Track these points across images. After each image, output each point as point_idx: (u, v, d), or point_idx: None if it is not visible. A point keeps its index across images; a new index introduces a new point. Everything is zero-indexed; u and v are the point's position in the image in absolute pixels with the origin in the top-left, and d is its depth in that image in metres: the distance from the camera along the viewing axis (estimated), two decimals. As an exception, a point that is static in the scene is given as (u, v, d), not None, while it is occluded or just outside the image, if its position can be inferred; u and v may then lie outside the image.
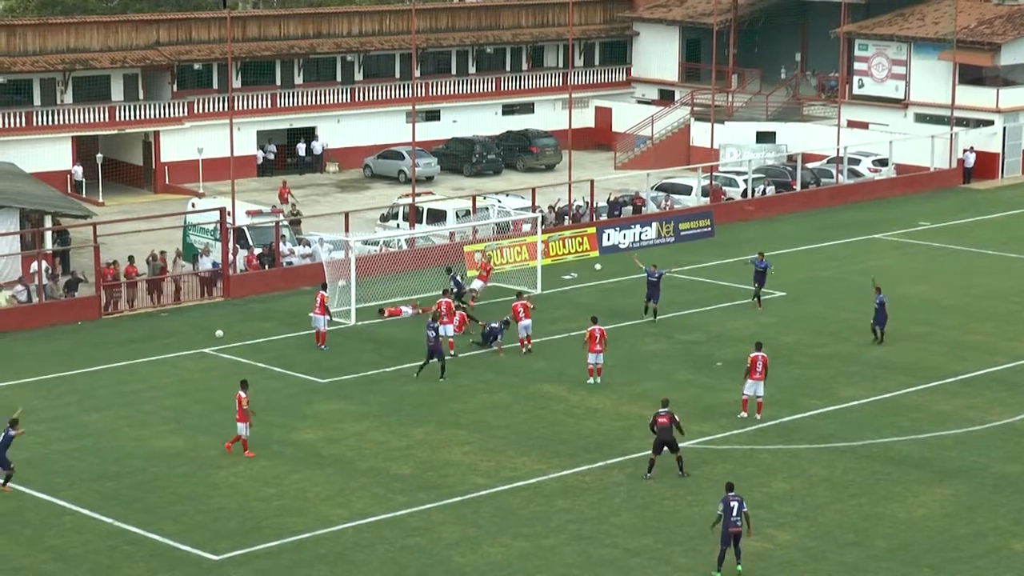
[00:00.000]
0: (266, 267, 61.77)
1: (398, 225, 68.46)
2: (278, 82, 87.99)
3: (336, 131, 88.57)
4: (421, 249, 63.63)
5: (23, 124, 79.92)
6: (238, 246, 61.53)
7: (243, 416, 42.08)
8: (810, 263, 65.47)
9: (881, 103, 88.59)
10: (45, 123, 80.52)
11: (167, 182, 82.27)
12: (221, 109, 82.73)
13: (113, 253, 60.95)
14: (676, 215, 71.38)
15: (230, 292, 59.84)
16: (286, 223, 65.44)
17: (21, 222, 61.54)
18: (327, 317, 52.76)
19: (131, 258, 59.68)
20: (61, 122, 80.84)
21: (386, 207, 71.55)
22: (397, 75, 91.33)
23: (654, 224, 69.62)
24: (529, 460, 41.90)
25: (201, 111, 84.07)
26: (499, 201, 71.52)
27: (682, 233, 70.09)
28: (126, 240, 63.13)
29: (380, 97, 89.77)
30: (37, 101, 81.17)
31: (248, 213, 64.87)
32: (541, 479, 40.53)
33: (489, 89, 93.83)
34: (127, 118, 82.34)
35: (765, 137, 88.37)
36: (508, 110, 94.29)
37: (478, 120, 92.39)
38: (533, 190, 70.53)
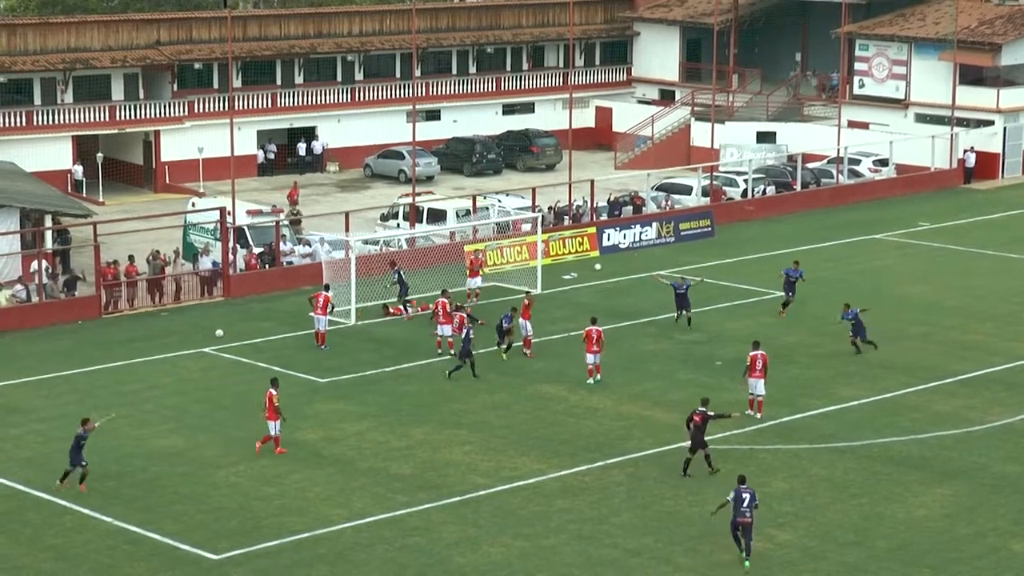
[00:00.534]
0: (266, 267, 61.78)
1: (398, 225, 68.47)
2: (278, 82, 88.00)
3: (336, 131, 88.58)
4: (422, 249, 63.62)
5: (23, 123, 79.95)
6: (238, 245, 61.55)
7: (273, 414, 42.04)
8: (810, 263, 65.31)
9: (881, 103, 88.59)
10: (45, 122, 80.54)
11: (167, 181, 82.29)
12: (221, 109, 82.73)
13: (113, 252, 60.97)
14: (676, 215, 71.38)
15: (230, 292, 59.86)
16: (286, 223, 65.46)
17: (21, 221, 61.56)
18: (328, 317, 52.78)
19: (131, 257, 59.69)
20: (61, 121, 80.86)
21: (386, 207, 71.55)
22: (397, 75, 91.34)
23: (654, 224, 69.62)
24: (529, 460, 41.91)
25: (201, 111, 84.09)
26: (499, 201, 71.53)
27: (682, 233, 70.10)
28: (126, 239, 63.14)
29: (380, 97, 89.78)
30: (37, 100, 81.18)
31: (248, 213, 64.89)
32: (541, 479, 40.54)
33: (489, 89, 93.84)
34: (127, 117, 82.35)
35: (765, 137, 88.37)
36: (508, 110, 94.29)
37: (478, 120, 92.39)
38: (533, 190, 70.54)
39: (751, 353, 45.15)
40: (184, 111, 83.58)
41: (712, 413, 40.27)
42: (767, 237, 70.03)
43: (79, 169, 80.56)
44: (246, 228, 63.30)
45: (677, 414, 45.47)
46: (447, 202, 70.13)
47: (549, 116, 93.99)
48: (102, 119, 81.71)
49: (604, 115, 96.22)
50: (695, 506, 38.58)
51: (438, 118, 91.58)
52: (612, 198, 73.22)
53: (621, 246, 68.16)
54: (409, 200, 68.81)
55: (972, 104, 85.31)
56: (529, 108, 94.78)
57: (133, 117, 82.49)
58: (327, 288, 53.92)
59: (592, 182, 72.07)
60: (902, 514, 38.26)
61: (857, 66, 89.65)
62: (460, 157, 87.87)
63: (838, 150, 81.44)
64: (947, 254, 67.62)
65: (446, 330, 51.41)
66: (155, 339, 54.04)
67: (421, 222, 67.45)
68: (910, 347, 52.55)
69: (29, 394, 47.82)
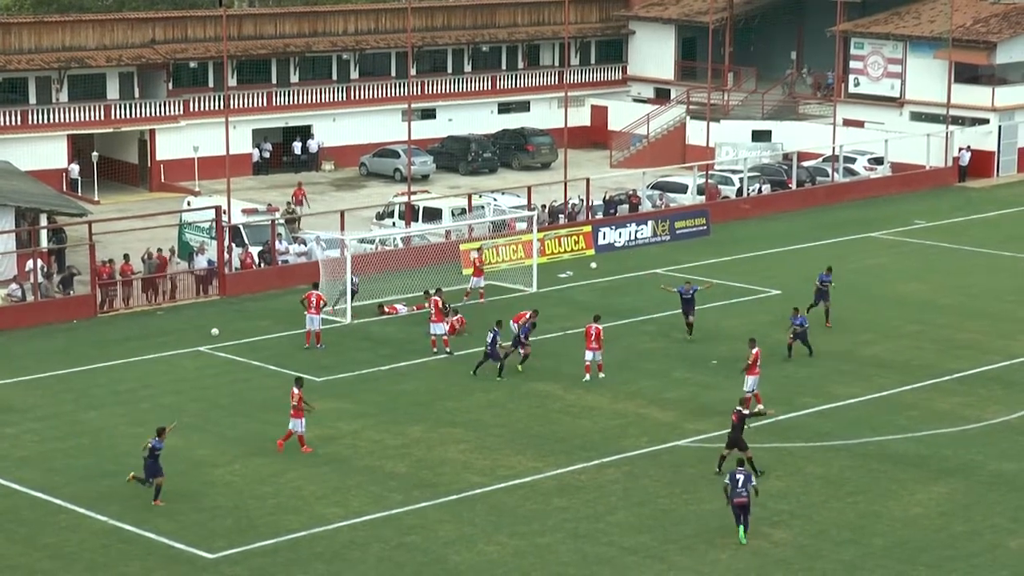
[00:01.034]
0: (262, 265, 61.75)
1: (394, 223, 68.45)
2: (274, 80, 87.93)
3: (332, 129, 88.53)
4: (417, 247, 63.61)
5: (19, 122, 79.84)
6: (234, 244, 61.52)
7: (298, 412, 42.03)
8: (805, 262, 65.44)
9: (877, 102, 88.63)
10: (41, 121, 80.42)
11: (163, 180, 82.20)
12: (217, 107, 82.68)
13: (109, 251, 60.92)
14: (672, 214, 71.39)
15: (226, 290, 59.83)
16: (282, 221, 65.42)
17: (17, 220, 61.48)
18: (321, 316, 52.73)
19: (127, 256, 59.65)
20: (57, 120, 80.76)
21: (382, 205, 71.53)
22: (393, 73, 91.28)
23: (650, 223, 69.62)
24: (525, 458, 41.90)
25: (197, 109, 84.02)
26: (495, 200, 71.50)
27: (678, 232, 70.10)
28: (122, 238, 63.08)
29: (376, 95, 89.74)
30: (33, 99, 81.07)
31: (244, 211, 64.86)
32: (537, 477, 40.54)
33: (485, 87, 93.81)
34: (123, 116, 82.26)
35: (761, 136, 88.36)
36: (504, 108, 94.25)
37: (474, 118, 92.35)
38: (529, 188, 70.53)
39: (754, 350, 45.44)
40: (179, 110, 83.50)
41: (748, 412, 40.26)
42: (762, 235, 70.05)
43: (74, 168, 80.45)
44: (241, 227, 63.27)
45: (673, 412, 45.56)
46: (443, 201, 70.11)
47: (544, 115, 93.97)
48: (97, 118, 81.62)
49: (599, 114, 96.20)
50: (691, 504, 38.59)
51: (433, 117, 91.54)
52: (608, 197, 73.20)
53: (617, 245, 68.16)
54: (405, 199, 68.78)
55: (967, 102, 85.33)
56: (524, 107, 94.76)
57: (128, 116, 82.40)
58: (316, 286, 53.80)
59: (587, 181, 72.07)
60: (898, 512, 38.28)
61: (852, 64, 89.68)
62: (456, 156, 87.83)
63: (833, 148, 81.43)
64: (942, 252, 67.65)
65: (440, 328, 51.40)
66: (151, 338, 54.01)
67: (417, 221, 67.43)
68: (905, 345, 52.57)
69: (25, 393, 47.79)
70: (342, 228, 63.38)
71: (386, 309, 56.90)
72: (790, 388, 47.43)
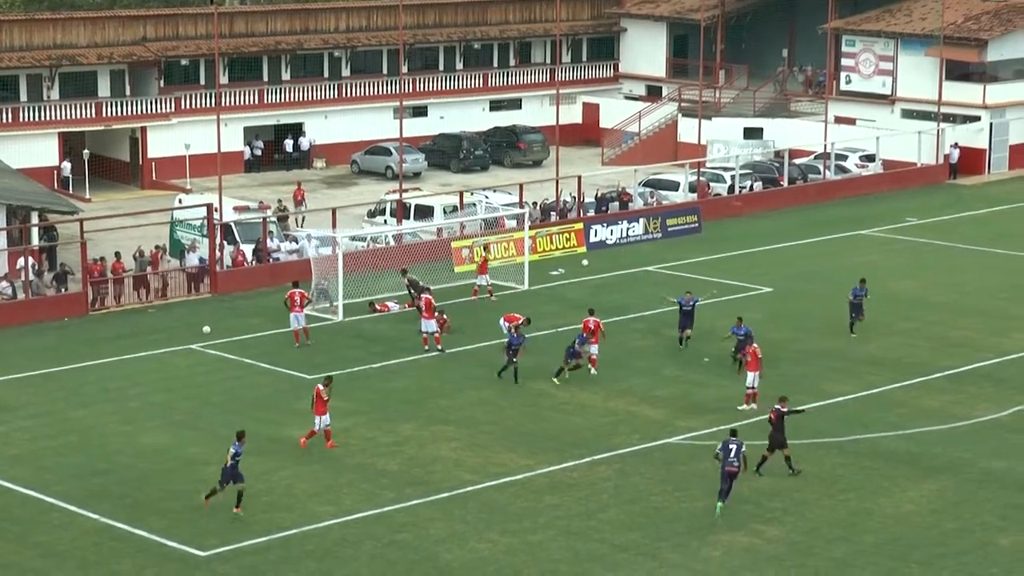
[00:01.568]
0: (253, 263, 61.72)
1: (385, 221, 68.42)
2: (265, 78, 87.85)
3: (323, 127, 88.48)
4: (409, 245, 63.59)
5: (9, 120, 79.73)
6: (225, 242, 61.49)
7: (322, 408, 42.02)
8: (797, 259, 65.55)
9: (868, 99, 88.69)
10: (32, 119, 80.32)
11: (154, 178, 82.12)
12: (208, 105, 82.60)
13: (100, 249, 60.84)
14: (663, 211, 71.42)
15: (217, 288, 59.81)
16: (274, 219, 65.40)
17: (7, 218, 61.41)
18: (304, 314, 52.69)
19: (118, 254, 59.60)
20: (48, 118, 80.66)
21: (373, 203, 71.51)
22: (384, 71, 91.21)
23: (641, 220, 69.63)
24: (517, 456, 41.91)
25: (188, 107, 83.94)
26: (486, 197, 71.49)
27: (669, 229, 70.13)
28: (113, 236, 63.01)
29: (367, 93, 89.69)
30: (24, 97, 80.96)
31: (235, 209, 64.82)
32: (529, 475, 40.55)
33: (476, 85, 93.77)
34: (114, 114, 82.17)
35: (752, 133, 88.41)
36: (495, 106, 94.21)
37: (465, 116, 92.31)
38: (520, 186, 70.52)
39: (750, 347, 45.56)
40: (171, 108, 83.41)
41: (786, 410, 40.23)
42: (754, 233, 70.08)
43: (66, 166, 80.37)
44: (233, 225, 63.24)
45: (664, 410, 45.60)
46: (434, 198, 70.12)
47: (536, 112, 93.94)
48: (88, 116, 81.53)
49: (591, 111, 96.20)
50: (683, 502, 38.62)
51: (425, 114, 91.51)
52: (599, 194, 73.22)
53: (608, 242, 68.17)
54: (396, 196, 68.77)
55: (958, 100, 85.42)
56: (516, 104, 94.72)
57: (120, 114, 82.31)
58: (296, 285, 53.65)
59: (579, 178, 72.08)
60: (890, 509, 38.33)
61: (844, 62, 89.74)
62: (447, 153, 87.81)
63: (825, 146, 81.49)
64: (933, 250, 67.72)
65: (431, 326, 51.41)
66: (142, 336, 53.97)
67: (408, 218, 67.40)
68: (897, 343, 52.62)
69: (16, 391, 47.74)
70: (334, 226, 63.37)
71: (377, 307, 56.91)
72: (783, 386, 47.31)
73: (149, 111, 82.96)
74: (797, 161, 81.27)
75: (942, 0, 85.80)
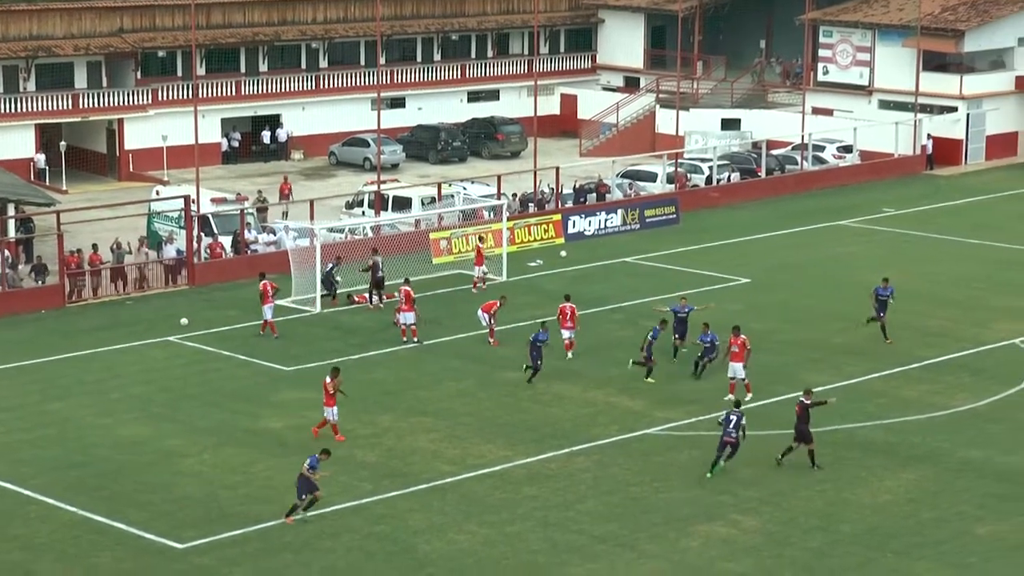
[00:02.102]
0: (231, 254, 61.56)
1: (363, 213, 68.33)
2: (242, 69, 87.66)
3: (301, 119, 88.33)
4: (387, 236, 63.48)
5: (-14, 111, 79.58)
6: (203, 234, 61.36)
7: (331, 400, 41.97)
8: (775, 250, 65.63)
9: (845, 90, 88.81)
10: (8, 110, 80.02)
11: (131, 170, 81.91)
12: (185, 96, 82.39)
13: (77, 241, 60.66)
14: (641, 202, 71.45)
15: (195, 280, 59.67)
16: (251, 211, 65.25)
17: (-16, 210, 61.24)
18: (274, 304, 52.62)
19: (95, 246, 59.42)
20: (24, 110, 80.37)
21: (351, 195, 71.40)
22: (362, 62, 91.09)
23: (619, 211, 69.66)
24: (495, 447, 41.92)
25: (165, 98, 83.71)
26: (464, 188, 71.45)
27: (647, 220, 70.16)
28: (90, 228, 62.81)
29: (345, 84, 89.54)
30: (0, 88, 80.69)
31: (213, 201, 64.67)
32: (507, 466, 40.56)
33: (454, 76, 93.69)
34: (91, 105, 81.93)
35: (730, 124, 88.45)
36: (473, 97, 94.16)
37: (443, 107, 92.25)
38: (499, 177, 70.44)
39: (731, 337, 45.66)
40: (148, 99, 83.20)
41: (809, 402, 40.23)
42: (732, 224, 70.15)
43: (42, 158, 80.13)
44: (210, 216, 63.12)
45: (642, 401, 45.63)
46: (412, 190, 70.04)
47: (514, 103, 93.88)
48: (65, 107, 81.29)
49: (569, 102, 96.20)
50: (661, 492, 38.67)
51: (403, 106, 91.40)
52: (577, 185, 73.22)
53: (586, 233, 68.18)
54: (374, 188, 68.68)
55: (935, 91, 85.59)
56: (494, 95, 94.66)
57: (96, 105, 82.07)
58: (263, 276, 53.42)
59: (557, 169, 72.08)
60: (867, 499, 38.42)
61: (821, 53, 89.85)
62: (425, 145, 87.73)
63: (802, 137, 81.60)
64: (911, 240, 67.86)
65: (410, 318, 51.37)
66: (119, 328, 53.84)
67: (386, 210, 67.32)
68: (875, 333, 52.69)
69: (-8, 383, 47.61)
70: (311, 217, 63.27)
71: (356, 299, 56.82)
72: (761, 376, 47.43)
73: (126, 103, 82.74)
74: (775, 152, 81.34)
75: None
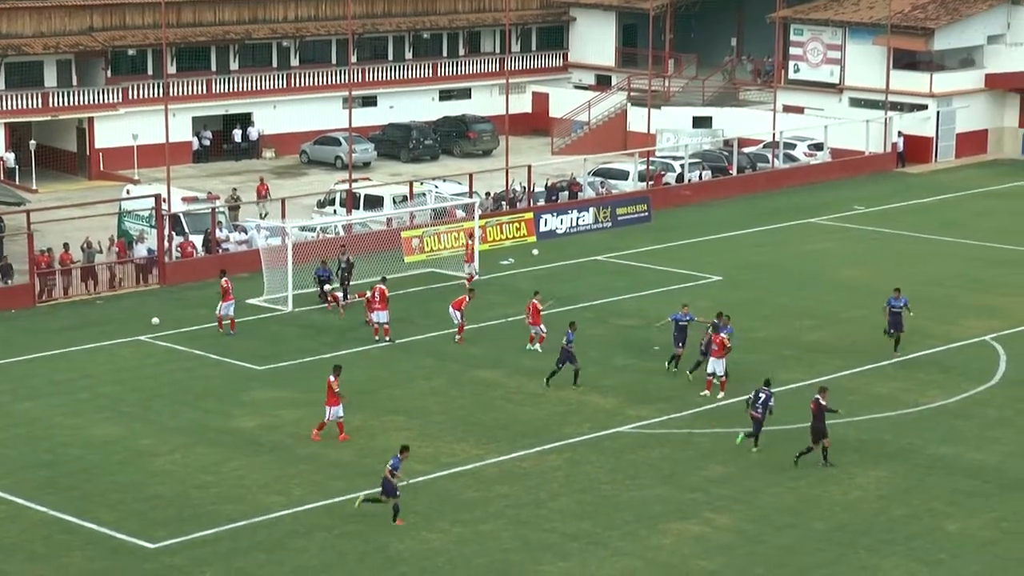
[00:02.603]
0: (202, 253, 61.39)
1: (335, 211, 68.23)
2: (213, 68, 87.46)
3: (272, 117, 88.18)
4: (358, 235, 63.40)
5: (-45, 110, 79.24)
6: (174, 232, 61.19)
7: (334, 400, 41.86)
8: (746, 248, 65.73)
9: (816, 88, 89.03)
10: (-23, 110, 79.85)
11: (102, 169, 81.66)
12: (156, 95, 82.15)
13: (47, 240, 60.44)
14: (613, 200, 71.50)
15: (166, 279, 59.51)
16: (223, 209, 65.09)
17: (-47, 209, 60.96)
18: (232, 302, 52.61)
19: (66, 245, 59.21)
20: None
21: (323, 193, 71.29)
22: (333, 61, 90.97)
23: (591, 209, 69.69)
24: (467, 446, 41.91)
25: (136, 97, 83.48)
26: (436, 187, 71.42)
27: (619, 218, 70.21)
28: (60, 227, 62.60)
29: (316, 83, 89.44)
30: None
31: (183, 200, 64.49)
32: (479, 464, 40.55)
33: (426, 75, 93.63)
34: (60, 104, 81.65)
35: (701, 122, 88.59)
36: (445, 95, 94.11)
37: (415, 106, 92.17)
38: (470, 176, 70.40)
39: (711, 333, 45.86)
40: (118, 98, 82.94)
41: (825, 402, 40.31)
42: (703, 222, 70.25)
43: (11, 156, 79.82)
44: (181, 215, 62.94)
45: (614, 399, 45.66)
46: (384, 188, 69.97)
47: (486, 102, 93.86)
48: (35, 106, 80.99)
49: (541, 100, 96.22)
50: (633, 490, 38.70)
51: (374, 104, 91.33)
52: (549, 183, 73.24)
53: (558, 231, 68.20)
54: (346, 187, 68.58)
55: (906, 88, 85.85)
56: (466, 94, 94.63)
57: (66, 104, 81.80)
58: (224, 274, 53.32)
59: (529, 167, 72.09)
60: (838, 496, 38.51)
61: (792, 51, 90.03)
62: (397, 143, 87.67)
63: (773, 135, 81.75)
64: (882, 238, 68.04)
65: (382, 316, 51.30)
66: (90, 327, 53.66)
67: (358, 208, 67.25)
68: (846, 331, 52.84)
69: (-38, 384, 47.39)
70: (283, 216, 63.16)
71: (328, 297, 56.68)
72: (733, 374, 47.49)
73: (96, 101, 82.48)
74: (746, 150, 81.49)
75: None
